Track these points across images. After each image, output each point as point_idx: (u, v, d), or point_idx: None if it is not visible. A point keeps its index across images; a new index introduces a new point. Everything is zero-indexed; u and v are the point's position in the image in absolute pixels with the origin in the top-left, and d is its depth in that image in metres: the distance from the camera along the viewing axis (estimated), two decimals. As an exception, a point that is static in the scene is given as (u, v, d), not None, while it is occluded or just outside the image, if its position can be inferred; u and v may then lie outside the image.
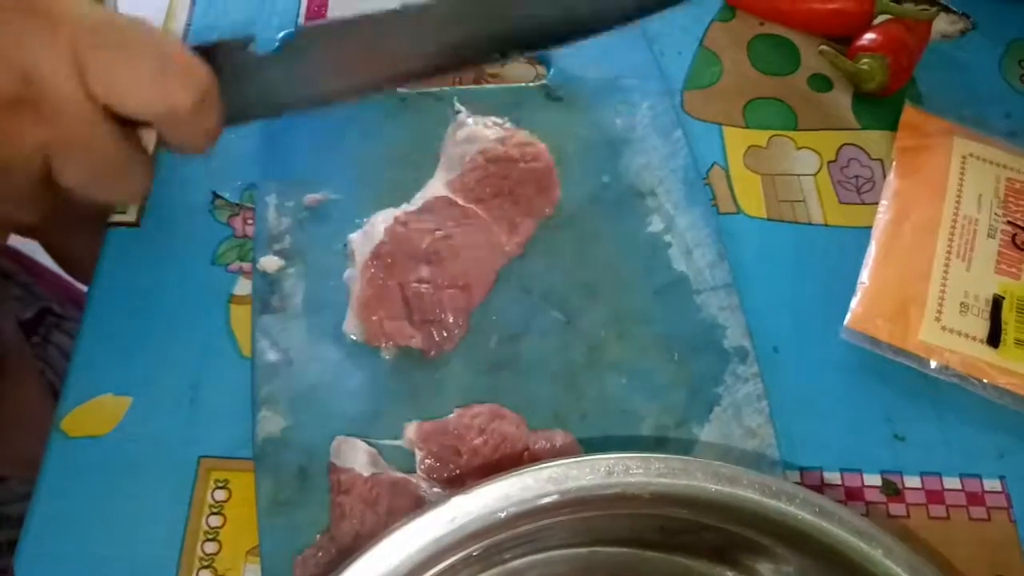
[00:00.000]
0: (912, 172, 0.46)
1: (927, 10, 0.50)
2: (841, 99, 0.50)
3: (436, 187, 0.43)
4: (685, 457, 0.29)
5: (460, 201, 0.42)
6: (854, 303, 0.42)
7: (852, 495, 0.38)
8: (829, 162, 0.47)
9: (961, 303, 0.42)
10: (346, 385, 0.38)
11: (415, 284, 0.40)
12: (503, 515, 0.27)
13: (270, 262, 0.41)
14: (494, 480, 0.27)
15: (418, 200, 0.42)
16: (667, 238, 0.43)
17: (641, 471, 0.28)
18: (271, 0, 0.50)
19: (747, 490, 0.28)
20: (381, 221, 0.41)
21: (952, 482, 0.39)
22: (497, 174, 0.43)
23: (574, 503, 0.28)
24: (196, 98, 0.26)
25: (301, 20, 0.49)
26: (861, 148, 0.48)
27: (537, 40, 0.32)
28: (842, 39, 0.50)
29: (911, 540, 0.36)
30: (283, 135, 0.44)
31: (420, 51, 0.31)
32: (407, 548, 0.26)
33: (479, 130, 0.44)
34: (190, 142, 0.27)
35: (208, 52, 0.28)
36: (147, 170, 0.28)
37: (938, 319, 0.41)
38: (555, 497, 0.27)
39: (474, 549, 0.28)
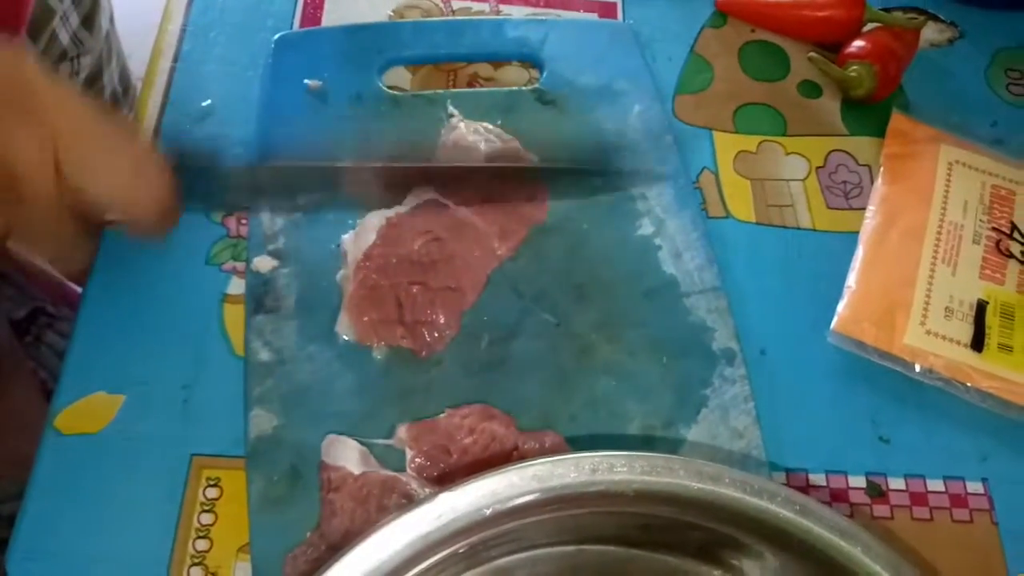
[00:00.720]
0: (899, 178, 0.47)
1: (915, 19, 0.51)
2: (830, 105, 0.50)
3: (426, 190, 0.43)
4: (669, 455, 0.30)
5: (451, 204, 0.42)
6: (841, 307, 0.42)
7: (837, 496, 0.39)
8: (818, 168, 0.48)
9: (946, 308, 0.42)
10: (338, 385, 0.38)
11: (407, 285, 0.40)
12: (489, 512, 0.27)
13: (264, 262, 0.41)
14: (480, 477, 0.28)
15: (410, 202, 0.43)
16: (657, 241, 0.43)
17: (625, 469, 0.28)
18: (267, 1, 0.50)
19: (729, 488, 0.29)
20: (373, 223, 0.42)
21: (936, 484, 0.39)
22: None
23: (559, 500, 0.28)
24: (159, 208, 0.27)
25: (297, 23, 0.50)
26: (849, 154, 0.49)
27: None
28: (832, 46, 0.51)
29: (891, 539, 0.37)
30: (279, 137, 0.45)
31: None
32: (394, 544, 0.26)
33: (469, 135, 0.45)
34: (145, 236, 0.31)
35: (179, 157, 0.30)
36: (93, 248, 0.31)
37: (923, 323, 0.42)
38: (540, 495, 0.28)
39: (460, 546, 0.28)
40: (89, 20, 0.53)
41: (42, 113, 0.26)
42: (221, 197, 0.33)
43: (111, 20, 0.58)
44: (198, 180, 0.31)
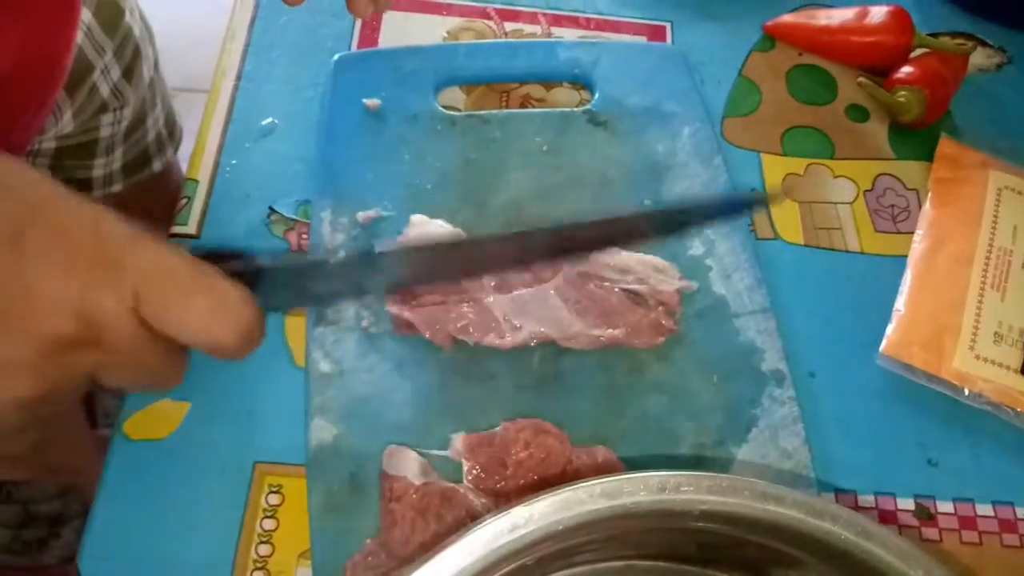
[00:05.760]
0: (948, 203, 0.47)
1: (964, 44, 0.52)
2: (878, 130, 0.51)
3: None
4: (733, 476, 0.31)
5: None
6: (889, 330, 0.43)
7: (885, 518, 0.39)
8: (865, 191, 0.48)
9: (995, 333, 0.42)
10: (396, 396, 0.40)
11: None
12: (560, 527, 0.28)
13: (324, 276, 0.42)
14: (552, 493, 0.29)
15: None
16: (707, 262, 0.44)
17: (691, 488, 0.29)
18: (326, 23, 0.52)
19: (792, 509, 0.29)
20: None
21: (985, 508, 0.40)
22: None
23: (626, 517, 0.29)
24: (242, 338, 0.28)
25: (354, 44, 0.51)
26: (897, 178, 0.49)
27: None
28: (879, 71, 0.52)
29: (950, 563, 0.37)
30: (338, 154, 0.46)
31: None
32: (468, 557, 0.27)
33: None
34: (231, 359, 0.30)
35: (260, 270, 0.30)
36: (182, 370, 0.30)
37: (972, 348, 0.42)
38: (611, 511, 0.28)
39: (527, 559, 0.29)
40: (130, 71, 0.53)
41: (125, 268, 0.26)
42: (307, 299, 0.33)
43: (155, 66, 0.59)
44: (281, 289, 0.30)
